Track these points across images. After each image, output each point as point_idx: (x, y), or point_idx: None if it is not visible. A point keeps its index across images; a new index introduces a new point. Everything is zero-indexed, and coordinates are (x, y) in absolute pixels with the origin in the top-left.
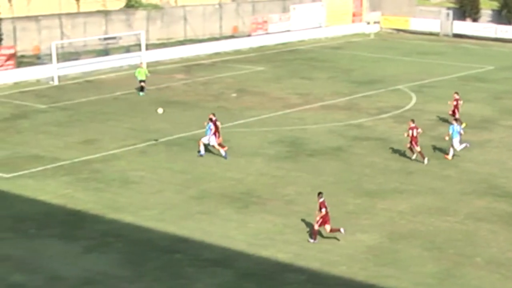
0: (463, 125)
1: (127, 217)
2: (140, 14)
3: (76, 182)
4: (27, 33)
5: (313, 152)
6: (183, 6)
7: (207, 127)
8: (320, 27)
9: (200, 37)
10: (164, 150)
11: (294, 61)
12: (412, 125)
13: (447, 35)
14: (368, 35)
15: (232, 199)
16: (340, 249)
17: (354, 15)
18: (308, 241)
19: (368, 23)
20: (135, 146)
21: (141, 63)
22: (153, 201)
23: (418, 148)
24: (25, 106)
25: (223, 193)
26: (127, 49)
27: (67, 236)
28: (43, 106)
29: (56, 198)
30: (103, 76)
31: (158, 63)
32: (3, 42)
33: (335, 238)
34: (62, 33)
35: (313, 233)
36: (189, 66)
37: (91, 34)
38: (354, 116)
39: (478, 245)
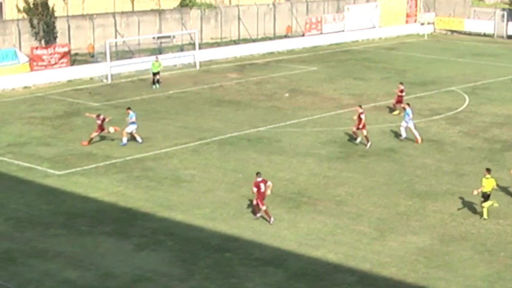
0: (397, 112)
1: (178, 216)
2: (194, 13)
3: (128, 180)
4: (81, 31)
5: (365, 152)
6: (237, 6)
7: (129, 117)
8: (374, 27)
9: (254, 37)
10: (217, 149)
11: (347, 61)
12: (360, 110)
13: (501, 37)
14: (422, 36)
15: (284, 199)
16: (390, 250)
17: (408, 15)
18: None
19: (422, 24)
20: (187, 145)
21: (156, 57)
22: (205, 199)
23: (364, 132)
24: (78, 103)
25: (275, 193)
26: (181, 48)
27: (118, 233)
28: (96, 104)
29: (108, 195)
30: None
31: (211, 62)
32: (58, 40)
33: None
34: (116, 31)
35: (254, 210)
36: (243, 66)
37: (145, 33)
38: None
39: None
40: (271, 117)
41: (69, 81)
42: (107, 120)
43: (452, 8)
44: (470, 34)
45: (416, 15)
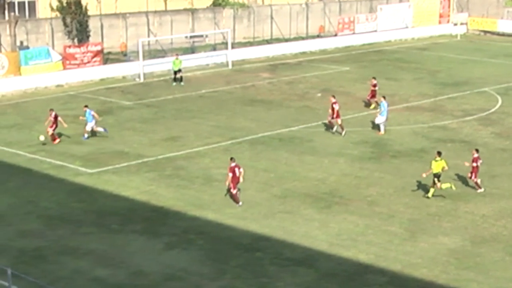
0: (372, 106)
1: (210, 215)
2: (227, 12)
3: (159, 179)
4: (114, 30)
5: (396, 153)
6: (270, 5)
7: (87, 114)
8: (406, 27)
9: (286, 36)
10: (248, 148)
11: (380, 61)
12: (333, 100)
13: None
14: (455, 36)
15: (315, 199)
16: (421, 251)
17: (441, 16)
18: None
19: (455, 24)
20: (219, 144)
21: (177, 55)
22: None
23: (339, 121)
24: (110, 102)
25: (306, 193)
26: (214, 47)
27: (149, 232)
28: (129, 103)
29: (140, 194)
30: (188, 74)
31: (244, 61)
32: (91, 38)
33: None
34: (149, 30)
35: (234, 199)
36: (275, 65)
37: (177, 32)
38: (439, 118)
39: None
40: (303, 117)
41: (102, 79)
42: (59, 118)
43: (485, 8)
44: (503, 34)
45: (449, 16)
